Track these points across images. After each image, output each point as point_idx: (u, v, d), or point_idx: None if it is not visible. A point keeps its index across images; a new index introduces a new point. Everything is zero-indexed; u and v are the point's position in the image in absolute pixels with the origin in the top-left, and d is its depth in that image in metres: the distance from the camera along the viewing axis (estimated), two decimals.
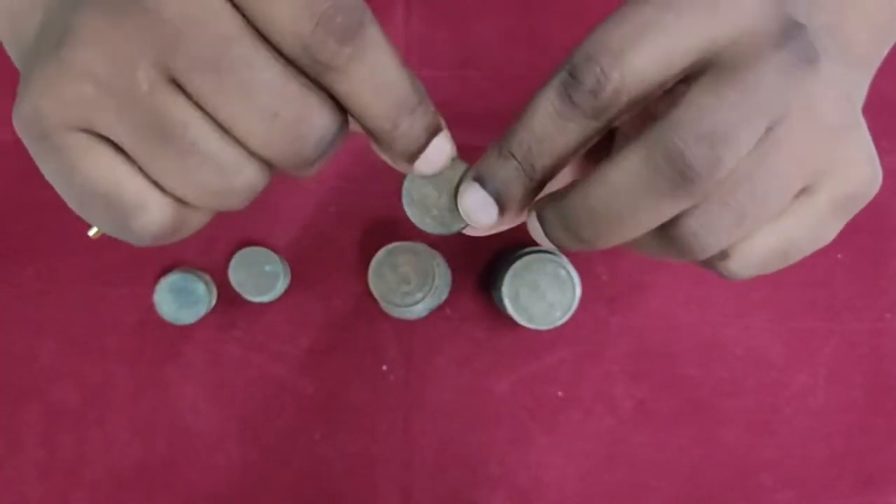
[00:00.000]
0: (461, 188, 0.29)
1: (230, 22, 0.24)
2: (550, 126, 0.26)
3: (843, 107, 0.28)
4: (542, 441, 0.53)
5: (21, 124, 0.26)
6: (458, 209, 0.30)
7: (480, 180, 0.28)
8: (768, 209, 0.27)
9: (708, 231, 0.27)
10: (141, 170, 0.26)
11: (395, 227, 0.53)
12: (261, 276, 0.52)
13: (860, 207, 0.30)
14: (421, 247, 0.49)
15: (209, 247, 0.54)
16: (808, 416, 0.53)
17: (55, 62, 0.25)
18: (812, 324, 0.53)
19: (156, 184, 0.26)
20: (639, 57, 0.25)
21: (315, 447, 0.53)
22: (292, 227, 0.54)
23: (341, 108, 0.26)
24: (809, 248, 0.29)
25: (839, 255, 0.53)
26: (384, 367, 0.53)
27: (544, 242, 0.29)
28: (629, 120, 0.31)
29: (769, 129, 0.26)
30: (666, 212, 0.26)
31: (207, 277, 0.53)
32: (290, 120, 0.25)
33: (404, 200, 0.30)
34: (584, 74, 0.25)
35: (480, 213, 0.29)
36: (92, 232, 0.30)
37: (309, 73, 0.25)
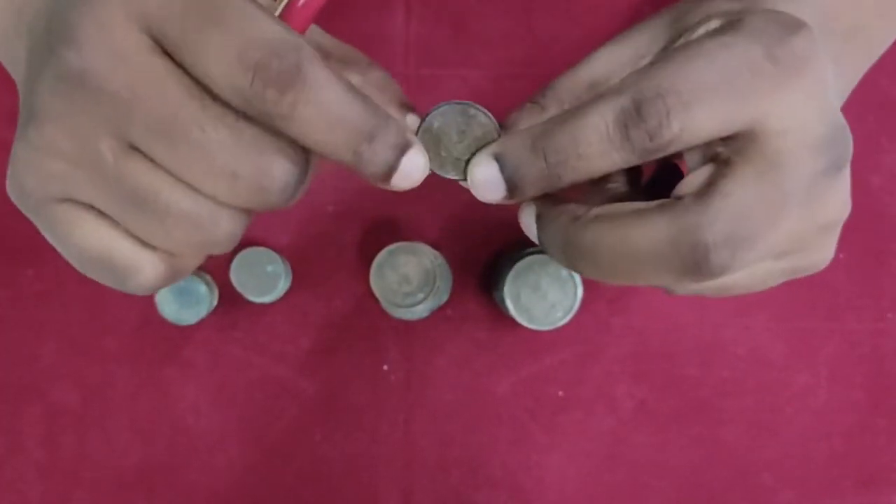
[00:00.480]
0: (477, 157, 0.28)
1: (176, 86, 0.24)
2: (595, 147, 0.26)
3: (843, 207, 0.28)
4: (543, 441, 0.53)
5: (14, 199, 0.27)
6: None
7: (501, 160, 0.28)
8: (735, 273, 0.28)
9: (677, 286, 0.28)
10: (128, 231, 0.27)
11: (397, 228, 0.53)
12: (262, 277, 0.52)
13: (802, 276, 0.31)
14: (422, 247, 0.49)
15: None
16: (809, 416, 0.53)
17: (26, 141, 0.26)
18: (813, 324, 0.53)
19: (144, 242, 0.27)
20: (703, 113, 0.25)
21: (316, 448, 0.53)
22: (294, 227, 0.54)
23: (302, 149, 0.26)
24: (743, 292, 0.31)
25: (840, 255, 0.53)
26: (385, 368, 0.53)
27: (531, 236, 0.29)
28: None
29: None
30: (662, 282, 0.27)
31: (209, 278, 0.53)
32: (249, 175, 0.25)
33: (421, 127, 0.29)
34: (648, 113, 0.25)
35: (486, 190, 0.29)
36: None
37: (259, 121, 0.25)
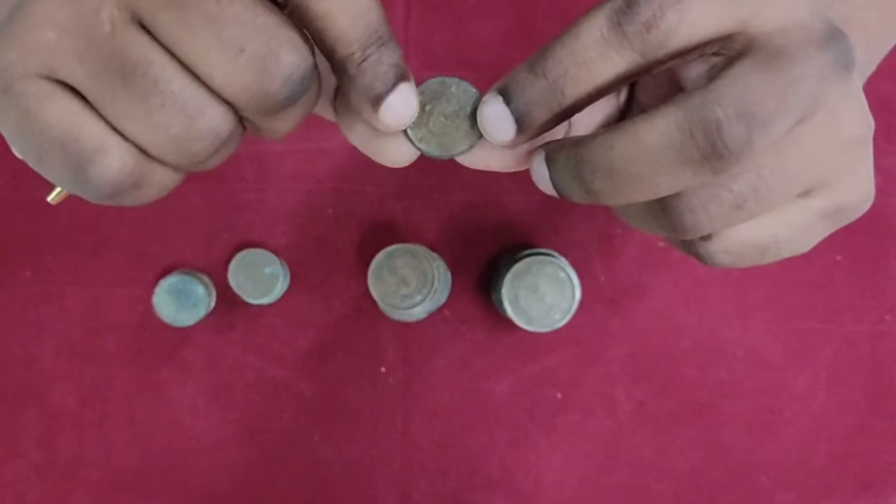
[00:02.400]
0: (484, 98, 0.28)
1: None
2: (593, 51, 0.25)
3: (863, 120, 0.28)
4: (542, 443, 0.53)
5: None
6: (445, 135, 0.29)
7: (504, 94, 0.27)
8: (767, 204, 0.27)
9: (704, 211, 0.26)
10: (101, 116, 0.26)
11: (395, 229, 0.53)
12: (260, 278, 0.52)
13: (847, 222, 0.30)
14: (420, 249, 0.49)
15: (209, 249, 0.54)
16: (808, 418, 0.53)
17: (19, 14, 0.25)
18: (812, 325, 0.53)
19: (116, 130, 0.26)
20: (697, 7, 0.25)
21: (314, 449, 0.53)
22: (292, 229, 0.54)
23: (311, 54, 0.26)
24: (787, 252, 0.29)
25: (838, 257, 0.53)
26: (383, 369, 0.53)
27: (546, 188, 0.28)
28: (651, 90, 0.31)
29: (793, 127, 0.26)
30: (684, 182, 0.25)
31: (207, 279, 0.53)
32: (256, 55, 0.24)
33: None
34: (641, 7, 0.25)
35: (497, 128, 0.28)
36: (51, 196, 0.29)
37: None
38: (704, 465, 0.53)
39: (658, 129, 0.25)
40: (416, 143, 0.29)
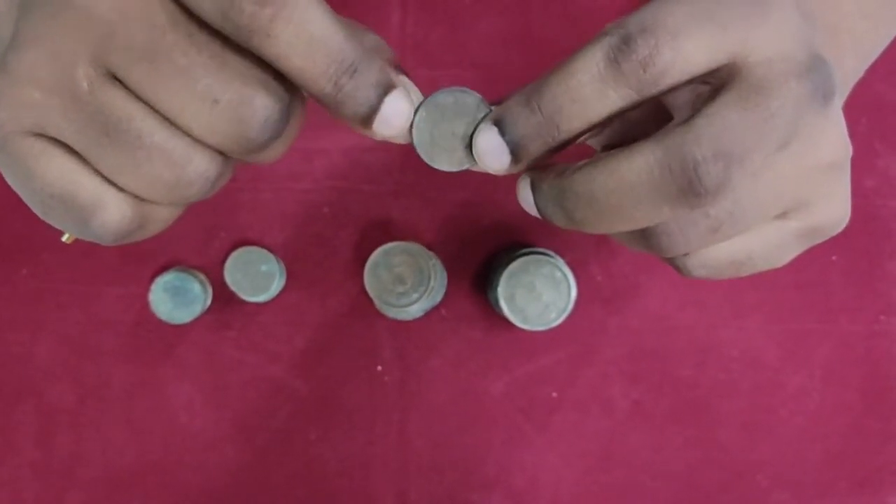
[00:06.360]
0: (479, 127, 0.28)
1: (162, 11, 0.24)
2: (589, 89, 0.26)
3: (840, 146, 0.28)
4: (538, 442, 0.53)
5: None
6: (452, 147, 0.29)
7: (500, 125, 0.27)
8: (742, 227, 0.27)
9: (680, 234, 0.27)
10: (95, 169, 0.26)
11: (391, 228, 0.53)
12: (257, 276, 0.52)
13: (823, 240, 0.30)
14: (417, 247, 0.49)
15: (205, 246, 0.54)
16: (804, 418, 0.53)
17: (3, 73, 0.25)
18: (807, 325, 0.54)
19: (111, 182, 0.26)
20: (691, 43, 0.25)
21: (310, 448, 0.53)
22: (288, 227, 0.54)
23: (287, 87, 0.26)
24: (763, 267, 0.30)
25: (834, 257, 0.53)
26: (379, 368, 0.53)
27: (531, 211, 0.29)
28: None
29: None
30: (662, 215, 0.26)
31: (203, 277, 0.53)
32: (230, 104, 0.25)
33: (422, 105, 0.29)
34: (637, 44, 0.25)
35: (492, 159, 0.28)
36: (64, 237, 0.30)
37: (239, 42, 0.25)
38: (700, 464, 0.53)
39: (638, 166, 0.25)
40: (415, 144, 0.29)
